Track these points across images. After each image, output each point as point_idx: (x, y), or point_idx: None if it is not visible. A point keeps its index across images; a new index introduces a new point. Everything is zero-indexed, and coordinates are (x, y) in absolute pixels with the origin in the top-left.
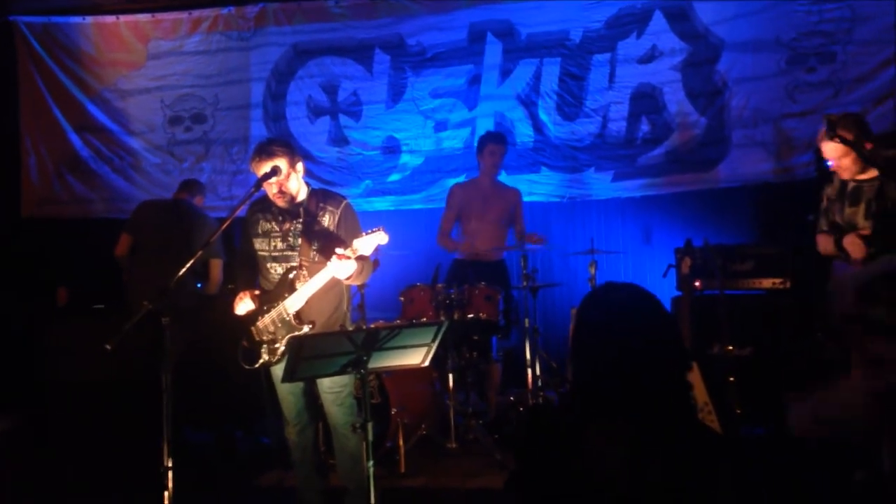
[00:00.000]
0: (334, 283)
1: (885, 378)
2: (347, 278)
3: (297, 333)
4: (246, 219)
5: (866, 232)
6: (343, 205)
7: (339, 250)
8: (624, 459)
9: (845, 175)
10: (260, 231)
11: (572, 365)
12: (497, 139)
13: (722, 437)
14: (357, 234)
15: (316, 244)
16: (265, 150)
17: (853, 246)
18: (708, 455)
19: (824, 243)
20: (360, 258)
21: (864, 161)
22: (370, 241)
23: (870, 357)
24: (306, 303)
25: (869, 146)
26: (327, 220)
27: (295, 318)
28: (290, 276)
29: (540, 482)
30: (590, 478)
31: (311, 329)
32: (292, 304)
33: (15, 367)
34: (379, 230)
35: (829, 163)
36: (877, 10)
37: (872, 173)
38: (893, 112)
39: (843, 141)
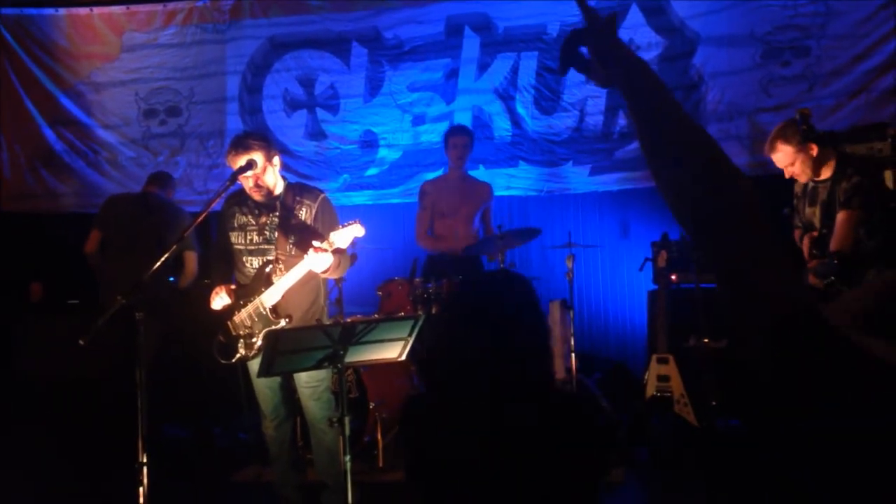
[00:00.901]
0: (311, 277)
1: None
2: (324, 272)
3: (273, 328)
4: (222, 212)
5: (815, 234)
6: (320, 198)
7: (315, 243)
8: (481, 439)
9: (801, 179)
10: (236, 225)
11: (437, 348)
12: (458, 131)
13: (591, 419)
14: (335, 228)
15: (292, 238)
16: (241, 144)
17: (804, 248)
18: (569, 434)
19: (797, 238)
20: (337, 252)
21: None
22: (346, 234)
23: None
24: (283, 297)
25: (814, 149)
26: (304, 214)
27: (272, 313)
28: (267, 269)
29: (420, 467)
30: (454, 458)
31: (287, 323)
32: (269, 298)
33: None
34: (355, 223)
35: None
36: (850, 5)
37: (826, 174)
38: (865, 106)
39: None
